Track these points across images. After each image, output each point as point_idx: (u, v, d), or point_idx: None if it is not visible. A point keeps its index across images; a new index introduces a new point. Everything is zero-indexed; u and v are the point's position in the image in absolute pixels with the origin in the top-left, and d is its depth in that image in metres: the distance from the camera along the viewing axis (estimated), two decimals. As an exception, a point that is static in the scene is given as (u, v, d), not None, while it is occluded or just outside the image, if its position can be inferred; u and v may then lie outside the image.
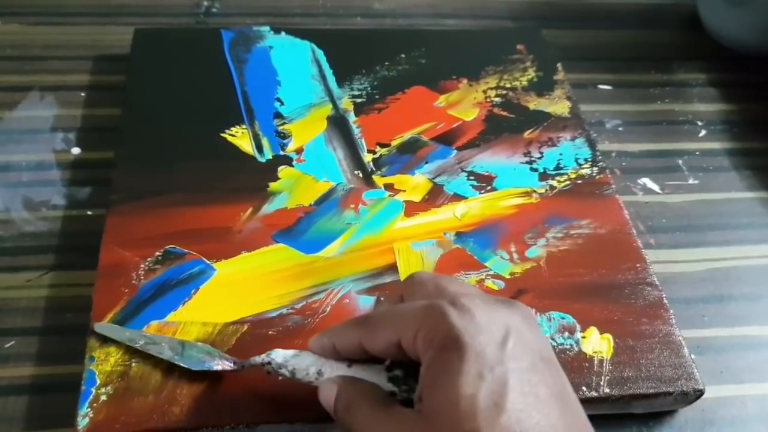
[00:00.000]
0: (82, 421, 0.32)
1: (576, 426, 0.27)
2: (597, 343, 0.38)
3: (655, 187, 0.50)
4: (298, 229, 0.41)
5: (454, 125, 0.48)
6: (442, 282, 0.31)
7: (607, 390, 0.36)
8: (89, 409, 0.33)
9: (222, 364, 0.34)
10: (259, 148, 0.45)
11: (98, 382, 0.34)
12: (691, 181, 0.51)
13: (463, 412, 0.25)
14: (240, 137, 0.46)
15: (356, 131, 0.47)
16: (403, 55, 0.53)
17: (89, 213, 0.44)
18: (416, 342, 0.28)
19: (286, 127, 0.47)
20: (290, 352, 0.32)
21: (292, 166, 0.45)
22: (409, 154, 0.46)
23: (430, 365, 0.27)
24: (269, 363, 0.32)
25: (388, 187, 0.44)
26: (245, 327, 0.37)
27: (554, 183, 0.45)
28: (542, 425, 0.25)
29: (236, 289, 0.38)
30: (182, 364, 0.34)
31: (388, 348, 0.29)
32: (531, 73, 0.53)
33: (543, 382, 0.27)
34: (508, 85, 0.52)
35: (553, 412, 0.26)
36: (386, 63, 0.52)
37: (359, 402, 0.29)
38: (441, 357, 0.27)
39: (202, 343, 0.35)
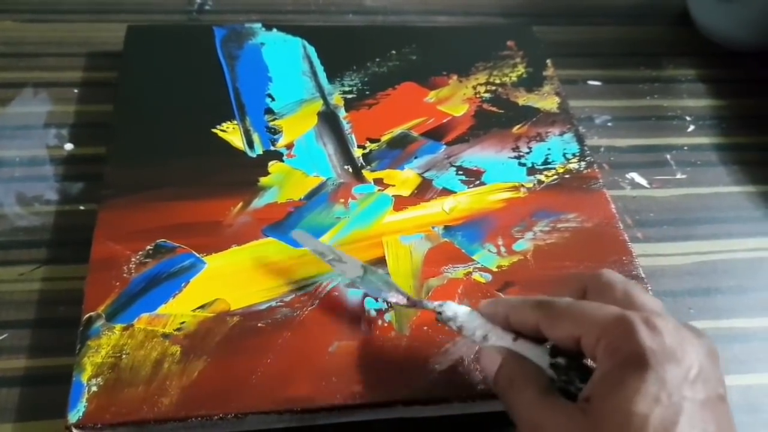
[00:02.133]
0: (73, 413, 0.33)
1: None
2: (582, 335, 0.38)
3: (643, 181, 0.51)
4: (288, 224, 0.42)
5: (444, 121, 0.49)
6: (632, 290, 0.31)
7: (591, 381, 0.36)
8: (80, 401, 0.33)
9: (396, 297, 0.35)
10: (250, 143, 0.46)
11: (89, 373, 0.34)
12: (679, 176, 0.51)
13: (632, 427, 0.26)
14: (231, 133, 0.46)
15: (346, 127, 0.48)
16: (393, 52, 0.53)
17: (81, 208, 0.45)
18: (597, 346, 0.28)
19: (276, 122, 0.47)
20: (462, 308, 0.33)
21: (283, 161, 0.45)
22: (398, 150, 0.47)
23: (608, 374, 0.27)
24: (440, 313, 0.33)
25: (378, 181, 0.45)
26: (235, 319, 0.37)
27: (542, 177, 0.46)
28: None
29: (226, 283, 0.38)
30: (361, 288, 0.37)
31: (565, 340, 0.30)
32: (521, 69, 0.53)
33: (714, 420, 0.27)
34: (497, 81, 0.52)
35: None
36: (377, 59, 0.52)
37: (524, 383, 0.30)
38: (622, 370, 0.27)
39: (382, 271, 0.37)
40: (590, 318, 0.29)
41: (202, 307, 0.37)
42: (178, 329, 0.36)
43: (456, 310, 0.33)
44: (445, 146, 0.47)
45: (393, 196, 0.44)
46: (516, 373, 0.31)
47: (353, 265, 0.37)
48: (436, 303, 0.34)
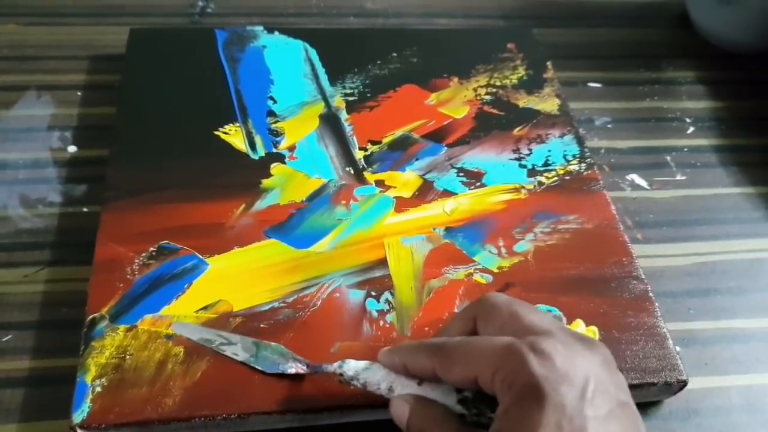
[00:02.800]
0: (77, 413, 0.33)
1: None
2: (583, 336, 0.38)
3: (643, 183, 0.51)
4: (289, 225, 0.42)
5: (445, 123, 0.49)
6: (518, 310, 0.31)
7: (592, 381, 0.37)
8: (84, 401, 0.33)
9: (295, 367, 0.35)
10: (252, 145, 0.46)
11: (93, 374, 0.34)
12: (678, 177, 0.52)
13: None
14: (233, 135, 0.46)
15: (348, 129, 0.48)
16: (394, 54, 0.53)
17: (85, 210, 0.45)
18: (494, 382, 0.28)
19: (278, 125, 0.48)
20: (361, 364, 0.33)
21: (285, 163, 0.45)
22: (399, 151, 0.47)
23: (509, 410, 0.27)
24: (341, 374, 0.33)
25: (379, 183, 0.45)
26: (237, 320, 0.37)
27: (542, 179, 0.46)
28: None
29: (229, 284, 0.39)
30: (257, 366, 0.35)
31: (463, 381, 0.29)
32: (521, 72, 0.54)
33: (620, 429, 0.27)
34: (498, 83, 0.52)
35: None
36: (378, 62, 0.53)
37: (431, 428, 0.30)
38: (520, 404, 0.27)
39: (275, 344, 0.36)
40: (480, 355, 0.29)
41: (205, 308, 0.38)
42: (182, 330, 0.37)
43: (356, 368, 0.33)
44: (446, 148, 0.47)
45: (394, 197, 0.44)
46: (424, 422, 0.30)
47: (244, 344, 0.36)
48: (335, 365, 0.33)
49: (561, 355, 0.27)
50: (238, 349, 0.36)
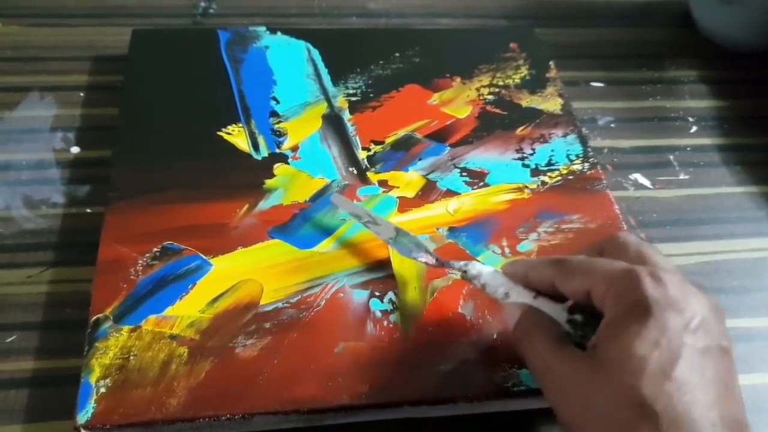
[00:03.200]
0: (81, 414, 0.33)
1: (732, 413, 0.28)
2: (587, 335, 0.38)
3: (646, 182, 0.51)
4: (293, 225, 0.42)
5: (448, 123, 0.49)
6: (645, 250, 0.32)
7: (596, 380, 0.37)
8: (88, 402, 0.33)
9: (426, 258, 0.38)
10: (255, 146, 0.46)
11: (97, 375, 0.34)
12: (681, 177, 0.51)
13: (630, 369, 0.27)
14: (236, 135, 0.46)
15: (351, 129, 0.48)
16: (397, 54, 0.53)
17: (88, 210, 0.45)
18: (605, 297, 0.30)
19: (281, 125, 0.48)
20: (487, 268, 0.36)
21: (288, 163, 0.45)
22: (402, 151, 0.47)
23: (613, 321, 0.29)
24: (465, 272, 0.36)
25: (382, 183, 0.45)
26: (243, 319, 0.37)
27: (546, 179, 0.46)
28: (700, 402, 0.27)
29: (232, 284, 0.39)
30: (394, 249, 0.39)
31: (576, 293, 0.31)
32: (524, 71, 0.53)
33: (712, 367, 0.28)
34: (500, 83, 0.52)
35: (712, 394, 0.27)
36: (381, 62, 0.53)
37: (538, 333, 0.32)
38: (625, 317, 0.28)
39: (413, 234, 0.40)
40: (599, 271, 0.30)
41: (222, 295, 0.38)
42: (188, 328, 0.37)
43: (480, 269, 0.35)
44: (449, 148, 0.47)
45: (397, 197, 0.44)
46: (531, 324, 0.33)
47: (387, 228, 0.40)
48: (462, 263, 0.36)
49: (675, 287, 0.29)
50: (381, 230, 0.40)
